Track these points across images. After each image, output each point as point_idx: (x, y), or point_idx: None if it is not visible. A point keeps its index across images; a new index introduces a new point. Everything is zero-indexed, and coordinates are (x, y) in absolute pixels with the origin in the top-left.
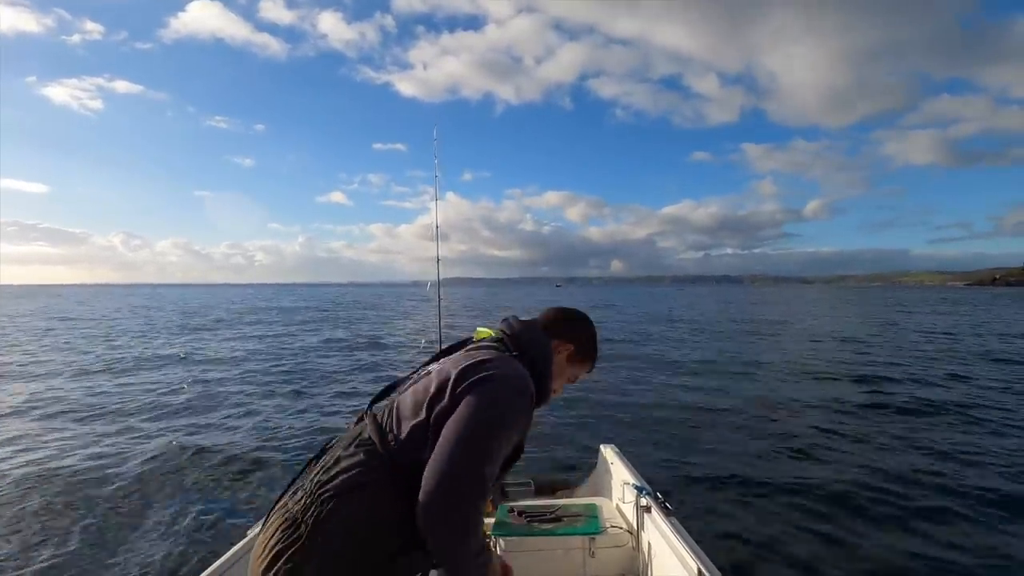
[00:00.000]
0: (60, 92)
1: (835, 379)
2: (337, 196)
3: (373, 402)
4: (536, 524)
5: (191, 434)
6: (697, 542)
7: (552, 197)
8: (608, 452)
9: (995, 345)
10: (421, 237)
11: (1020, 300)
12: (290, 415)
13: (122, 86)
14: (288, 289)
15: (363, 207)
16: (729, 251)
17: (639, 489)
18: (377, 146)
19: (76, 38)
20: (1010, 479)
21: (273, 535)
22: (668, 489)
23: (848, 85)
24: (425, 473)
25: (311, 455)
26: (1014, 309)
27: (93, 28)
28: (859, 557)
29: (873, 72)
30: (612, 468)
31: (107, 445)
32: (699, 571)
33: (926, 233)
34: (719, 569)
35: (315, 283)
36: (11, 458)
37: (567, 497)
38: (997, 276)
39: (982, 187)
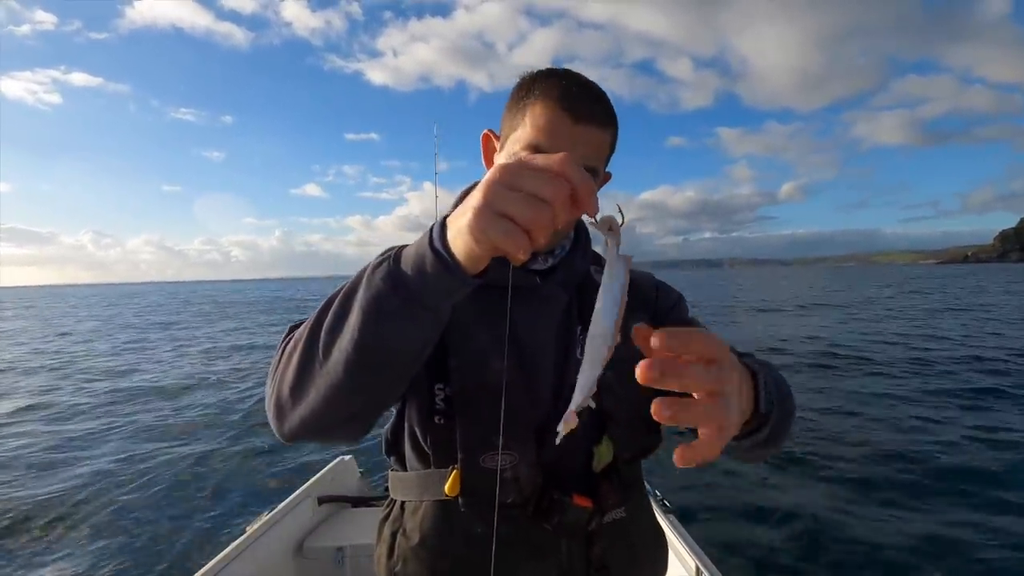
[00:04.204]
0: (13, 86)
1: (835, 367)
2: (312, 188)
3: None
4: None
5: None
6: (695, 539)
7: None
8: None
9: None
10: (401, 228)
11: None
12: None
13: (79, 78)
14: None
15: (339, 199)
16: (708, 235)
17: None
18: (350, 136)
19: (26, 28)
20: None
21: None
22: (666, 486)
23: (819, 67)
24: None
25: None
26: None
27: (45, 18)
28: (858, 555)
29: (843, 54)
30: None
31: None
32: (697, 568)
33: (897, 212)
34: (717, 566)
35: (296, 277)
36: None
37: None
38: (969, 254)
39: (949, 166)
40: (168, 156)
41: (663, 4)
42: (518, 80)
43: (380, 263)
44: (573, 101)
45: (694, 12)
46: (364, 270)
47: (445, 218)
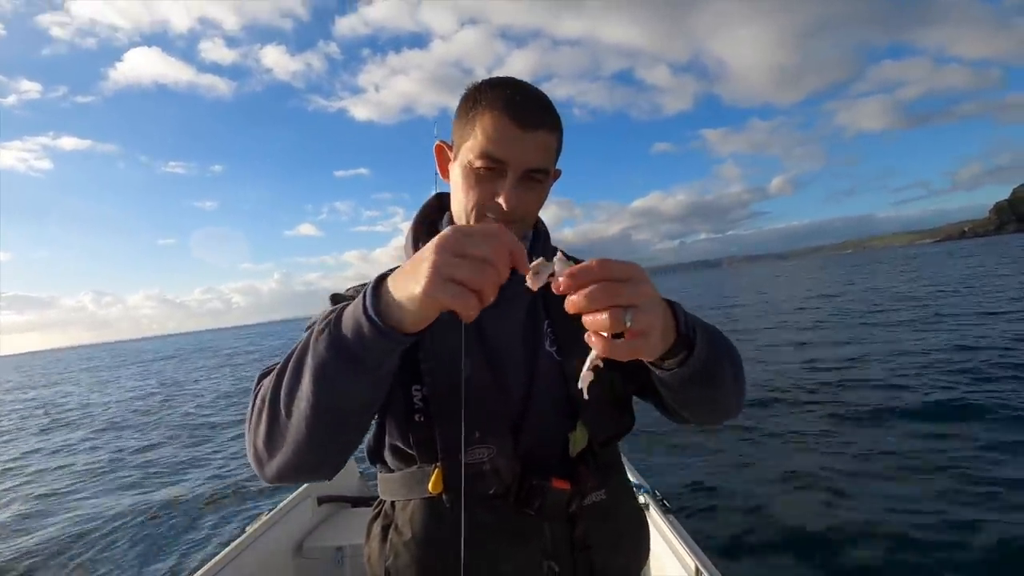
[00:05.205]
0: (5, 156)
1: (842, 368)
2: (306, 228)
3: None
4: None
5: None
6: (695, 540)
7: None
8: None
9: None
10: (398, 260)
11: None
12: None
13: (69, 143)
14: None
15: (334, 236)
16: (703, 236)
17: (637, 487)
18: (340, 173)
19: (12, 99)
20: None
21: None
22: (666, 487)
23: (794, 61)
24: None
25: None
26: None
27: (30, 87)
28: (859, 555)
29: (816, 46)
30: None
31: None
32: (697, 569)
33: (888, 196)
34: (717, 567)
35: (299, 317)
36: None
37: None
38: (966, 229)
39: (935, 146)
40: (161, 210)
41: (633, 14)
42: (464, 92)
43: (323, 329)
44: (518, 109)
45: (665, 20)
46: (310, 334)
47: (379, 279)
